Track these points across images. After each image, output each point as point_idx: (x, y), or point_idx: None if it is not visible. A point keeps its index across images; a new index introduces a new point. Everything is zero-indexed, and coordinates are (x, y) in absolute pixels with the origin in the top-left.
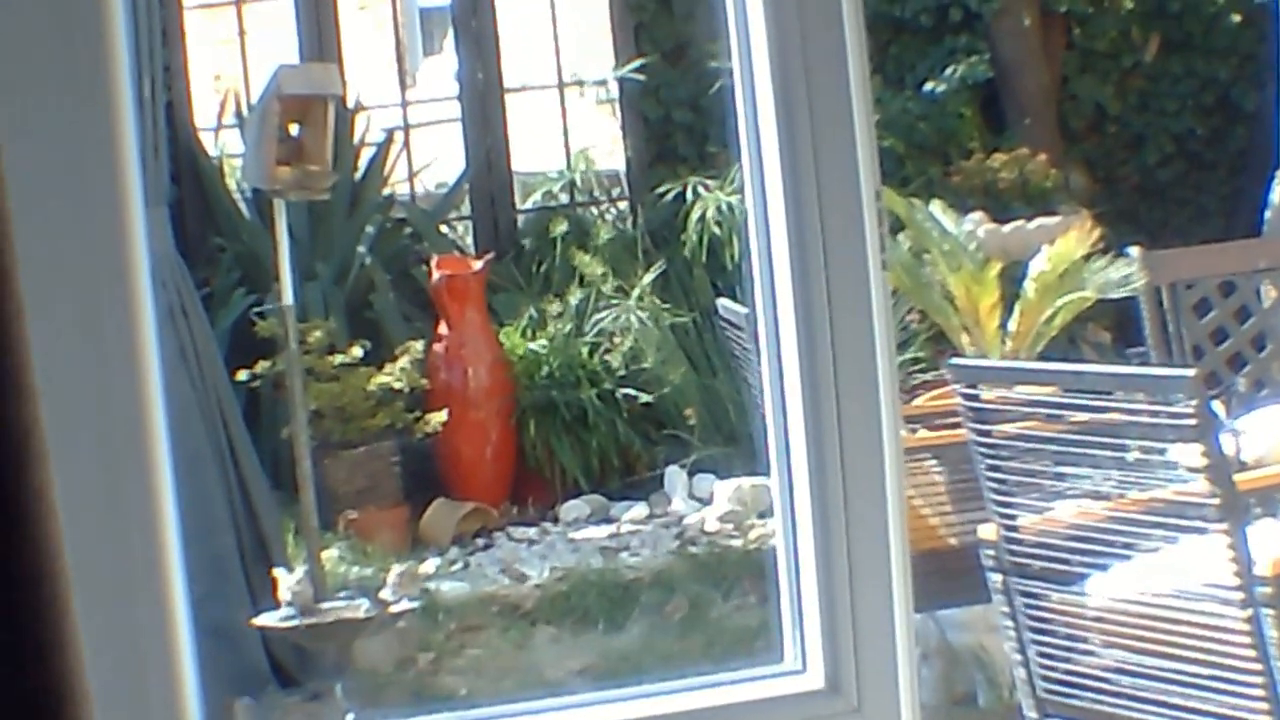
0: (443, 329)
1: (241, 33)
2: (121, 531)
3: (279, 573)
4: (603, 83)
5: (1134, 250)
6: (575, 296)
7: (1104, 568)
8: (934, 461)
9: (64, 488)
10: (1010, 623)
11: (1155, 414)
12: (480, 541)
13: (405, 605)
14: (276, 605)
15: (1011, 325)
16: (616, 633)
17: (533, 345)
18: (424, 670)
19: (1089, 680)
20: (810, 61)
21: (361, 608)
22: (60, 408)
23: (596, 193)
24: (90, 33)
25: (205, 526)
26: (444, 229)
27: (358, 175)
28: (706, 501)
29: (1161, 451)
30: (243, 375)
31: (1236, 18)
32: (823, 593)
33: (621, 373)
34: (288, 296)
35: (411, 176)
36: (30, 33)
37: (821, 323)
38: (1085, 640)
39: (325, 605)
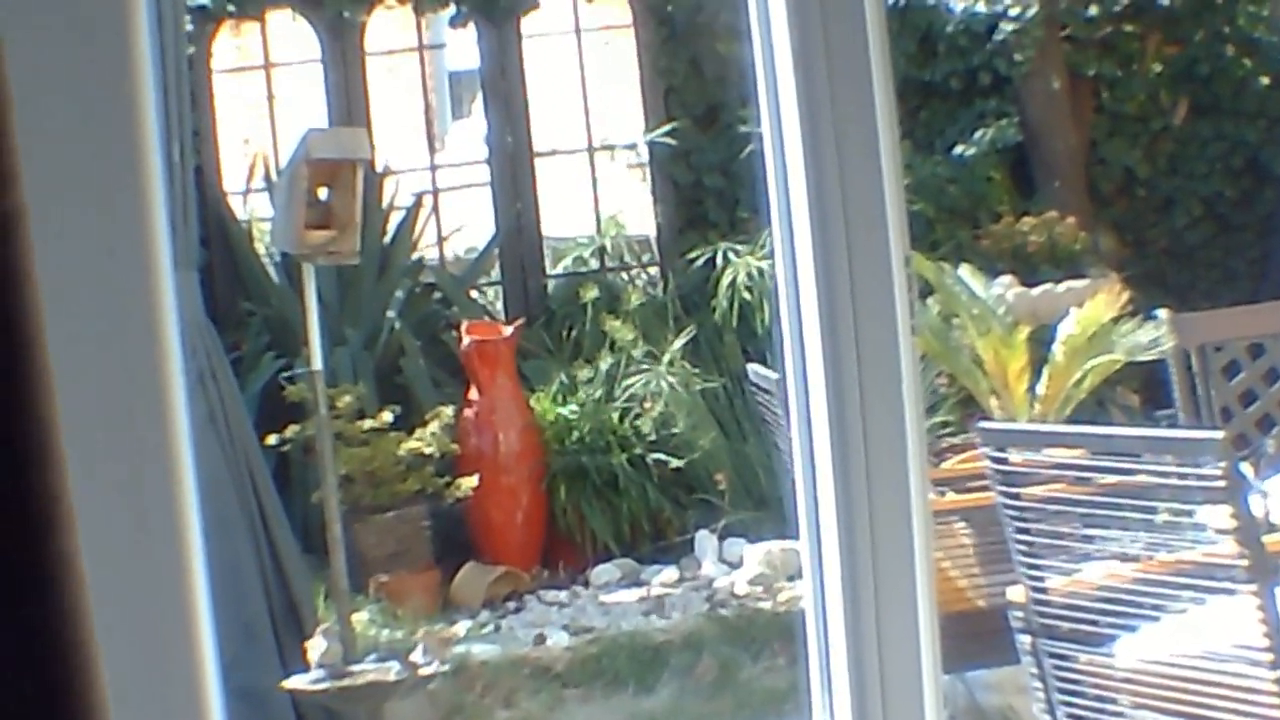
0: (473, 394)
1: (270, 97)
2: (151, 595)
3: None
4: (633, 147)
5: (1163, 313)
6: (606, 362)
7: (1133, 629)
8: (962, 524)
9: (92, 552)
10: (1039, 684)
11: (1184, 476)
12: (511, 605)
13: (436, 668)
14: (307, 668)
15: (1040, 388)
16: (647, 695)
17: (563, 410)
18: None
19: None
20: (840, 126)
21: (392, 670)
22: (89, 472)
23: (627, 258)
24: (119, 97)
25: (236, 590)
26: (474, 294)
27: (387, 239)
28: (736, 565)
29: (1190, 513)
30: (272, 439)
31: (1265, 80)
32: (851, 654)
33: (652, 438)
34: (317, 361)
35: (441, 241)
36: (59, 98)
37: (851, 387)
38: (1114, 702)
39: (356, 668)
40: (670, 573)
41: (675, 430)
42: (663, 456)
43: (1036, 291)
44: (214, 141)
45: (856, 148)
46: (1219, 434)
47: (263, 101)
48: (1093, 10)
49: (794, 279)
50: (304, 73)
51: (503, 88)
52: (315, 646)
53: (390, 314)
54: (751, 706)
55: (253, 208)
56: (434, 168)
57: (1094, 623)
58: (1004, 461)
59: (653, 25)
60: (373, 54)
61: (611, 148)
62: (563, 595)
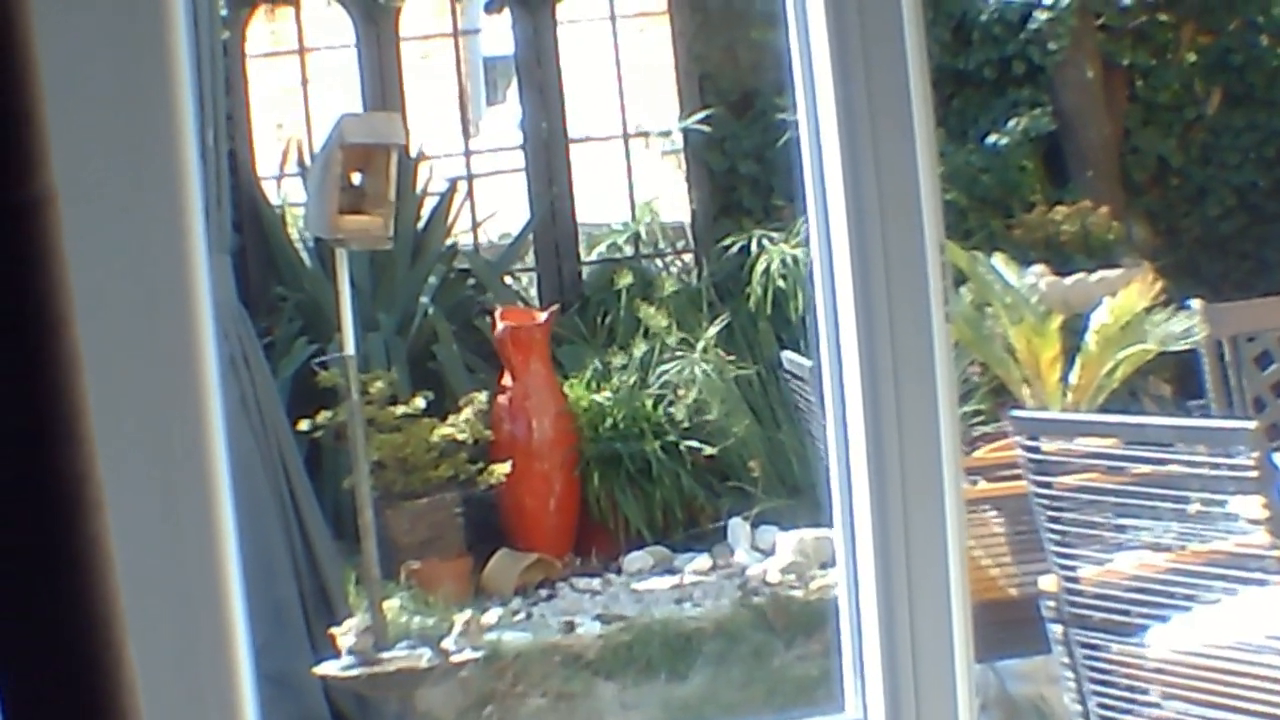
0: (507, 380)
1: (304, 81)
2: (182, 580)
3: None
4: (668, 134)
5: (1195, 303)
6: (640, 349)
7: (1164, 619)
8: (994, 513)
9: (125, 538)
10: (1070, 674)
11: (1216, 466)
12: (543, 592)
13: (468, 655)
14: (338, 654)
15: (1073, 378)
16: (679, 683)
17: (597, 397)
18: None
19: None
20: (875, 114)
21: (423, 657)
22: (121, 457)
23: (661, 244)
24: (154, 83)
25: (267, 575)
26: (508, 280)
27: (420, 225)
28: (769, 553)
29: (1222, 504)
30: (304, 425)
31: None
32: (884, 643)
33: (685, 425)
34: (350, 346)
35: (475, 227)
36: (95, 83)
37: (885, 375)
38: (1145, 692)
39: (387, 655)
40: (703, 560)
41: (709, 417)
42: (696, 444)
43: (1069, 281)
44: (248, 126)
45: (891, 136)
46: (1251, 424)
47: (297, 86)
48: None
49: (829, 266)
50: (338, 58)
51: (538, 73)
52: (347, 633)
53: (424, 299)
54: (784, 694)
55: (286, 193)
56: (468, 153)
57: (1126, 613)
58: (1036, 450)
59: (688, 12)
60: (407, 39)
61: (646, 134)
62: (595, 583)
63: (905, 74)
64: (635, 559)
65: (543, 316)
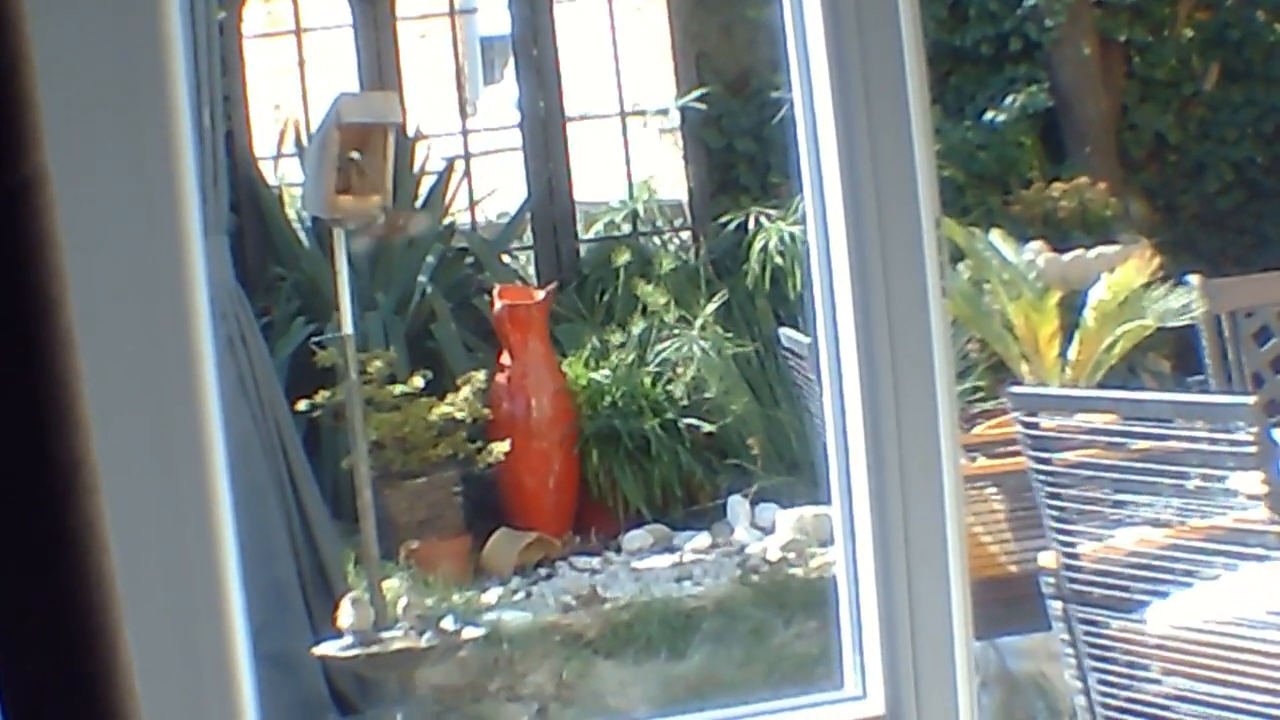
0: (505, 359)
1: (301, 62)
2: (180, 560)
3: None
4: (665, 112)
5: (1193, 279)
6: (638, 326)
7: (1164, 595)
8: (994, 489)
9: (122, 519)
10: (1070, 650)
11: (1215, 442)
12: (543, 571)
13: (467, 635)
14: (337, 634)
15: (1071, 354)
16: (679, 661)
17: (595, 375)
18: (486, 699)
19: (1149, 709)
20: (871, 92)
21: (423, 637)
22: (118, 438)
23: (659, 222)
24: (150, 63)
25: (265, 555)
26: (506, 258)
27: (418, 204)
28: (769, 531)
29: (1221, 479)
30: (303, 405)
31: None
32: (883, 620)
33: (684, 402)
34: (348, 326)
35: (472, 205)
36: (90, 63)
37: (882, 352)
38: (1146, 668)
39: (386, 634)
40: (702, 538)
41: (707, 395)
42: (695, 421)
43: (1067, 257)
44: (244, 107)
45: (887, 113)
46: (1250, 399)
47: (293, 67)
48: None
49: (825, 243)
50: (335, 38)
51: (534, 53)
52: (346, 612)
53: (421, 279)
54: (783, 672)
55: (283, 173)
56: (466, 132)
57: (1125, 589)
58: (1035, 426)
59: None
60: (404, 19)
61: (643, 113)
62: (595, 561)
63: (901, 51)
64: (634, 537)
65: (541, 295)
